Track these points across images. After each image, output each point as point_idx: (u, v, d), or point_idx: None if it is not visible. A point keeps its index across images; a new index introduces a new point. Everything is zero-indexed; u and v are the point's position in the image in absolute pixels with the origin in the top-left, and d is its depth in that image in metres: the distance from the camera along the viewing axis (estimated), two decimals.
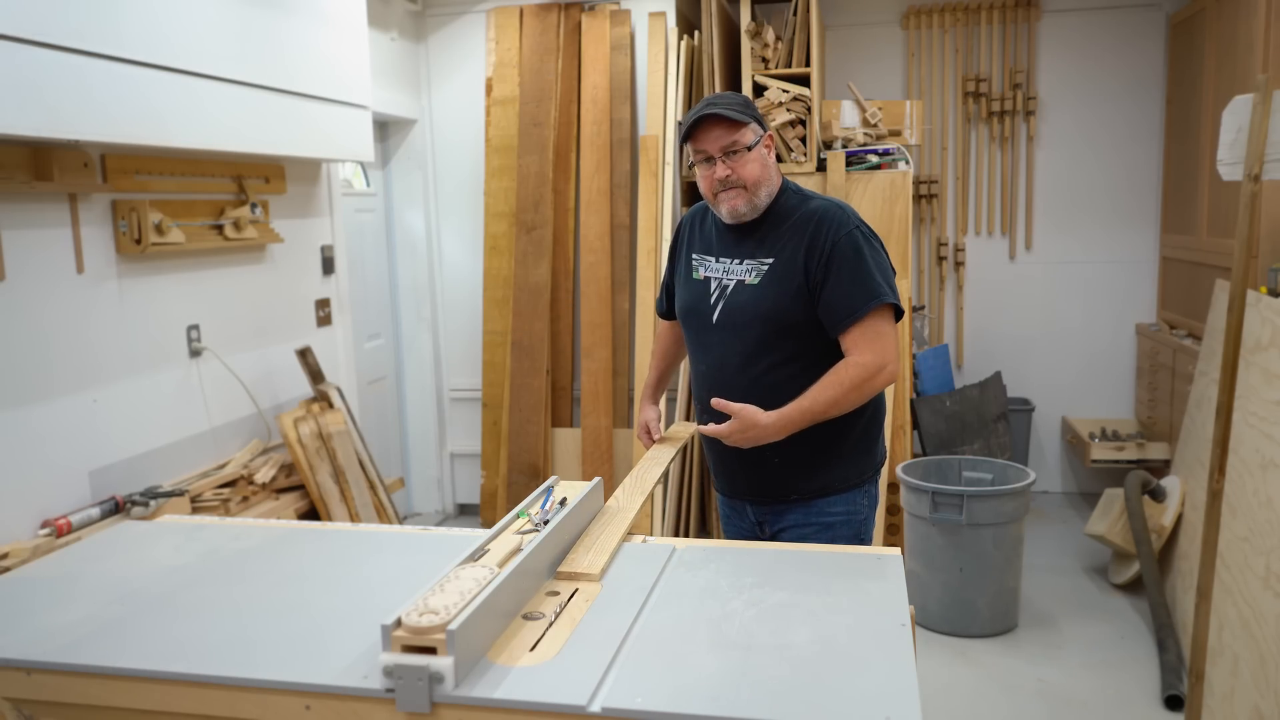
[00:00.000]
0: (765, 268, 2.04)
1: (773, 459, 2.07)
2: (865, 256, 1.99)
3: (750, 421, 1.92)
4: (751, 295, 2.04)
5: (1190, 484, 3.59)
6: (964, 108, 4.97)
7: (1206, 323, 3.74)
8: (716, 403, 1.95)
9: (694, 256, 2.17)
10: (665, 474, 2.20)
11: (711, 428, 1.96)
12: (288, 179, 3.56)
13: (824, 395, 1.94)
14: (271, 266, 3.49)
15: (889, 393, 3.47)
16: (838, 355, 2.01)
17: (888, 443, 2.26)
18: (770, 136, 2.08)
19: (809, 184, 3.89)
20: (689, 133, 2.02)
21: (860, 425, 2.11)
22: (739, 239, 2.09)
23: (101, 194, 2.72)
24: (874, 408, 2.14)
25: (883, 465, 2.23)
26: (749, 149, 2.00)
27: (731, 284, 2.07)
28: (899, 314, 2.02)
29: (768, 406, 1.97)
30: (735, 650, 1.29)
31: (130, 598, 1.54)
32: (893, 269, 2.07)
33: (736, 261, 2.08)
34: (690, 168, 2.12)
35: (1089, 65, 4.85)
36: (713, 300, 2.10)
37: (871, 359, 1.96)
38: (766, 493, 2.14)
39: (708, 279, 2.12)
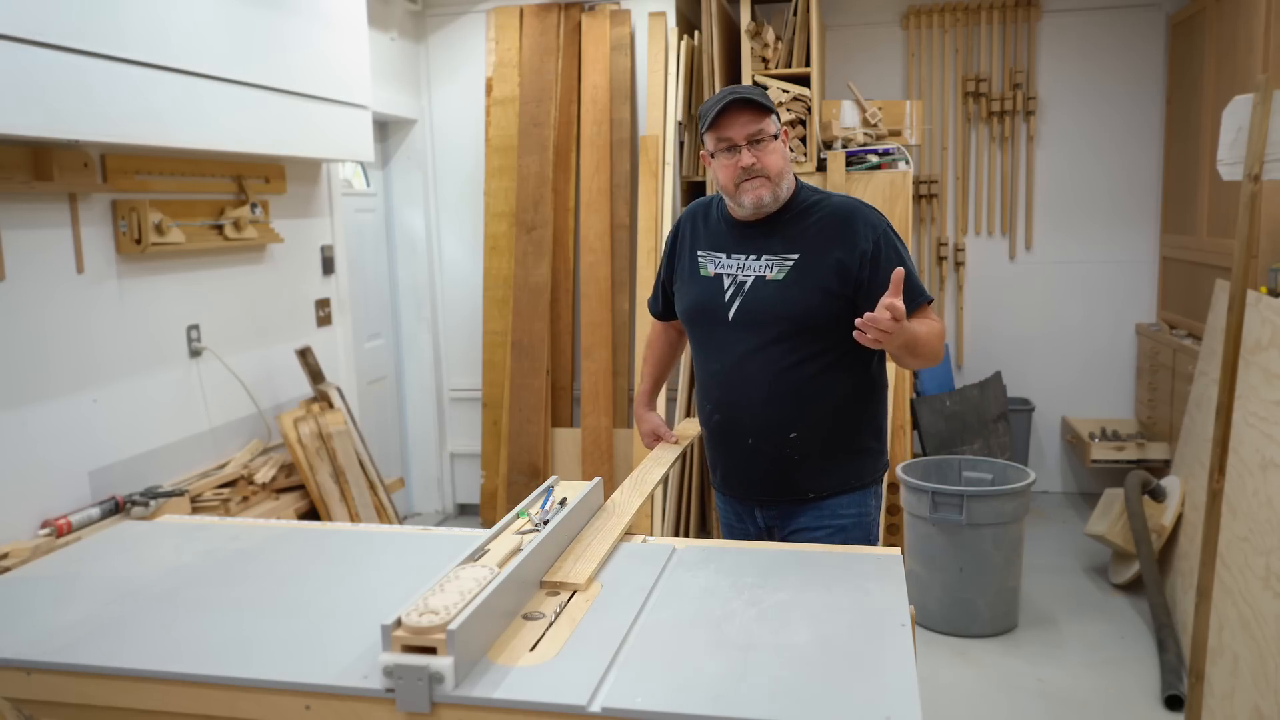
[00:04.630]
0: (790, 264, 2.02)
1: (791, 455, 2.05)
2: (906, 257, 2.01)
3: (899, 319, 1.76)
4: (775, 291, 2.02)
5: (1190, 484, 3.59)
6: (964, 108, 4.97)
7: (1206, 323, 3.74)
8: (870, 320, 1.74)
9: (699, 254, 2.13)
10: (665, 475, 2.19)
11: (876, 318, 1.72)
12: (288, 179, 3.56)
13: (922, 330, 1.92)
14: (271, 266, 3.49)
15: (889, 393, 3.46)
16: (862, 354, 2.03)
17: (888, 443, 2.27)
18: (785, 131, 2.08)
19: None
20: (714, 120, 1.97)
21: (871, 418, 2.13)
22: (755, 235, 2.07)
23: (101, 194, 2.72)
24: (880, 402, 2.15)
25: (887, 467, 2.23)
26: (774, 138, 1.99)
27: (749, 280, 2.05)
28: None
29: (789, 405, 2.01)
30: (735, 650, 1.29)
31: (130, 598, 1.54)
32: None
33: (754, 258, 2.05)
34: (711, 155, 2.03)
35: (1089, 65, 4.85)
36: (727, 297, 2.07)
37: (940, 327, 2.01)
38: (781, 492, 2.10)
39: (719, 275, 2.09)
